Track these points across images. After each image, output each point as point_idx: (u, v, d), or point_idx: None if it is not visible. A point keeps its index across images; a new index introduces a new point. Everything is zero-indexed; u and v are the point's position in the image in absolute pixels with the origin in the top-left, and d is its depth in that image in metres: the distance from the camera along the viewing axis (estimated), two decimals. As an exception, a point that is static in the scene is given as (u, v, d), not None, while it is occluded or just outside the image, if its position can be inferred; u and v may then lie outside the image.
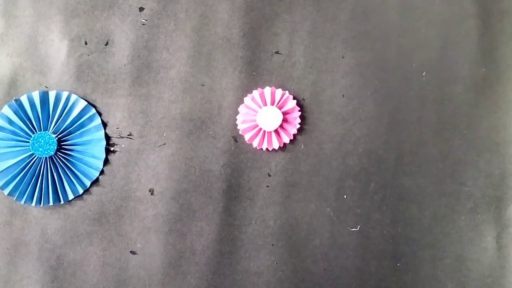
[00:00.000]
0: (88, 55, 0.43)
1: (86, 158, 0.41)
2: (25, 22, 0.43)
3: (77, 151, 0.42)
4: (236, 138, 0.42)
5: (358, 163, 0.42)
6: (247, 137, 0.42)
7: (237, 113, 0.42)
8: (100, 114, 0.42)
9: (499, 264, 0.42)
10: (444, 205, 0.42)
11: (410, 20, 0.44)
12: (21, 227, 0.41)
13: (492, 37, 0.44)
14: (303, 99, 0.43)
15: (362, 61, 0.43)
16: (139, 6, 0.43)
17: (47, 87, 0.42)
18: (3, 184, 0.41)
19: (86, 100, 0.42)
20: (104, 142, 0.42)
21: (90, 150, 0.42)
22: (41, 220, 0.41)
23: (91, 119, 0.42)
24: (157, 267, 0.41)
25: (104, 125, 0.42)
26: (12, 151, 0.41)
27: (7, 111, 0.41)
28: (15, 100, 0.41)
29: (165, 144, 0.42)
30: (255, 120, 0.42)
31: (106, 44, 0.43)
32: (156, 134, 0.42)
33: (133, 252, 0.41)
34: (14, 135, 0.41)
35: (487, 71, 0.44)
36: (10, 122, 0.41)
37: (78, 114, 0.41)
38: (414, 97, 0.43)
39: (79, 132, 0.42)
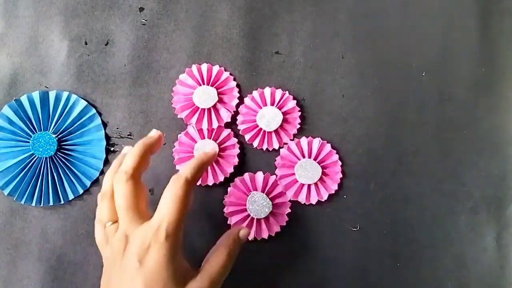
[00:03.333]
0: (88, 55, 0.43)
1: (87, 158, 0.42)
2: (25, 22, 0.43)
3: (77, 151, 0.42)
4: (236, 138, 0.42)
5: (358, 163, 0.42)
6: (247, 137, 0.42)
7: (237, 113, 0.42)
8: (100, 114, 0.42)
9: (499, 264, 0.42)
10: (444, 205, 0.42)
11: (410, 20, 0.44)
12: (21, 227, 0.41)
13: (492, 37, 0.44)
14: (303, 99, 0.43)
15: (362, 61, 0.43)
16: (139, 6, 0.43)
17: (47, 87, 0.42)
18: (3, 184, 0.41)
19: (86, 100, 0.42)
20: (104, 142, 0.42)
21: (90, 150, 0.42)
22: (41, 220, 0.41)
23: (91, 119, 0.42)
24: (157, 267, 0.41)
25: (104, 125, 0.42)
26: (12, 151, 0.41)
27: (7, 111, 0.41)
28: (15, 100, 0.41)
29: (165, 144, 0.42)
30: (255, 120, 0.42)
31: (106, 44, 0.43)
32: (156, 134, 0.42)
33: (133, 252, 0.41)
34: (14, 135, 0.41)
35: (487, 71, 0.44)
36: (10, 122, 0.41)
37: (78, 114, 0.41)
38: (414, 97, 0.43)
39: (79, 132, 0.42)
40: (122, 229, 0.32)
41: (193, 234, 0.41)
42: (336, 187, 0.42)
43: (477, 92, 0.43)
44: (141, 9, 0.43)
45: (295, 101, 0.42)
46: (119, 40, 0.43)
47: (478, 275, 0.42)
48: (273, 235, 0.41)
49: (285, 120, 0.42)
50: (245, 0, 0.43)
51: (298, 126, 0.42)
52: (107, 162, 0.42)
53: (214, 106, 0.42)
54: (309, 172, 0.41)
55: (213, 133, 0.41)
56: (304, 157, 0.42)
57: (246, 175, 0.42)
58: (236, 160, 0.41)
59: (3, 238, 0.41)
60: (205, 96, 0.41)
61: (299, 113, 0.42)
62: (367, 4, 0.44)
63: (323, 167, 0.42)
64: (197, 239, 0.41)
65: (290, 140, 0.42)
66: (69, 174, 0.41)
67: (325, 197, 0.42)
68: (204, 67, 0.42)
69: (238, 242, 0.35)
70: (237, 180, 0.41)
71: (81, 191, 0.41)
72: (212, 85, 0.42)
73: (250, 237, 0.41)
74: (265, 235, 0.41)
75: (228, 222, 0.41)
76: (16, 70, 0.42)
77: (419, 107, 0.43)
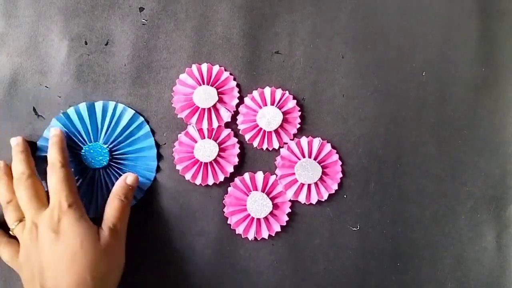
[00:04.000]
0: (88, 55, 0.43)
1: (139, 166, 0.41)
2: (25, 22, 0.43)
3: (129, 159, 0.41)
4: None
5: (358, 163, 0.42)
6: (247, 137, 0.42)
7: (237, 113, 0.42)
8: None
9: (499, 264, 0.42)
10: (444, 205, 0.42)
11: (410, 20, 0.44)
12: (21, 227, 0.41)
13: (492, 37, 0.44)
14: (303, 99, 0.43)
15: (362, 61, 0.43)
16: (139, 6, 0.43)
17: (47, 87, 0.42)
18: None
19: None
20: (155, 149, 0.41)
21: (142, 158, 0.41)
22: (41, 220, 0.41)
23: (139, 127, 0.41)
24: (157, 267, 0.41)
25: (104, 125, 0.42)
26: None
27: (55, 125, 0.41)
28: (63, 113, 0.41)
29: (165, 144, 0.42)
30: (255, 120, 0.42)
31: (106, 44, 0.43)
32: (156, 134, 0.42)
33: (133, 252, 0.41)
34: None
35: (487, 71, 0.44)
36: None
37: (127, 123, 0.41)
38: (414, 97, 0.43)
39: (129, 141, 0.41)
40: (29, 220, 0.36)
41: (193, 234, 0.41)
42: (336, 187, 0.42)
43: (477, 92, 0.43)
44: (141, 9, 0.43)
45: (295, 101, 0.42)
46: (119, 40, 0.43)
47: (478, 275, 0.42)
48: (273, 235, 0.41)
49: (285, 120, 0.42)
50: (245, 0, 0.43)
51: (298, 126, 0.42)
52: (159, 169, 0.42)
53: (214, 106, 0.42)
54: (309, 172, 0.41)
55: (213, 133, 0.41)
56: (304, 156, 0.42)
57: (246, 175, 0.42)
58: (236, 160, 0.41)
59: (3, 238, 0.41)
60: (205, 96, 0.41)
61: (299, 113, 0.42)
62: (367, 4, 0.44)
63: (323, 167, 0.42)
64: (197, 239, 0.41)
65: (290, 140, 0.42)
66: None
67: (325, 197, 0.42)
68: (204, 67, 0.42)
69: (126, 187, 0.39)
70: (237, 180, 0.41)
71: (135, 200, 0.41)
72: (212, 85, 0.42)
73: (250, 237, 0.41)
74: (265, 235, 0.41)
75: (228, 222, 0.41)
76: (16, 70, 0.42)
77: (419, 107, 0.43)
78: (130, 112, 0.41)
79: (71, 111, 0.41)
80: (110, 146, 0.41)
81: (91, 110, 0.41)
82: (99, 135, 0.41)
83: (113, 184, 0.40)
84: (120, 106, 0.41)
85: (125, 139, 0.41)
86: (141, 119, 0.41)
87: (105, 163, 0.40)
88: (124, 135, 0.41)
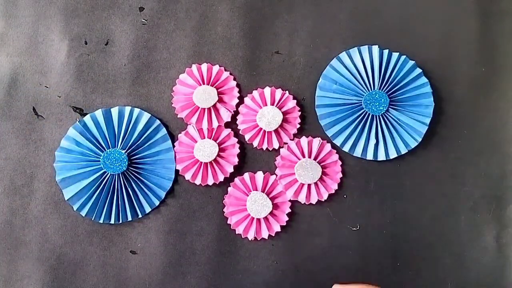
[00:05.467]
0: (88, 55, 0.43)
1: (158, 170, 0.41)
2: (25, 22, 0.43)
3: (148, 163, 0.41)
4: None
5: (358, 163, 0.42)
6: (247, 137, 0.42)
7: (237, 113, 0.42)
8: (100, 114, 0.42)
9: (499, 264, 0.42)
10: (444, 205, 0.42)
11: (410, 20, 0.44)
12: (21, 227, 0.41)
13: (492, 37, 0.44)
14: (303, 99, 0.43)
15: (362, 61, 0.43)
16: (139, 6, 0.43)
17: (47, 87, 0.42)
18: (79, 206, 0.40)
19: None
20: (173, 152, 0.41)
21: (161, 161, 0.41)
22: (41, 220, 0.41)
23: (156, 130, 0.41)
24: (157, 267, 0.41)
25: (104, 125, 0.42)
26: (84, 172, 0.40)
27: (73, 133, 0.41)
28: (79, 121, 0.41)
29: (165, 144, 0.42)
30: (255, 120, 0.42)
31: (106, 44, 0.43)
32: (156, 134, 0.42)
33: (133, 252, 0.41)
34: (83, 155, 0.40)
35: (487, 71, 0.44)
36: (78, 143, 0.41)
37: (143, 127, 0.41)
38: (414, 97, 0.43)
39: (147, 144, 0.41)
40: None
41: (193, 234, 0.41)
42: (336, 187, 0.42)
43: (477, 92, 0.43)
44: (141, 9, 0.43)
45: (295, 101, 0.42)
46: (119, 40, 0.43)
47: (478, 275, 0.42)
48: (273, 235, 0.41)
49: (285, 120, 0.42)
50: (245, 0, 0.43)
51: (298, 125, 0.42)
52: (177, 172, 0.41)
53: (214, 106, 0.42)
54: (309, 172, 0.41)
55: (213, 133, 0.42)
56: (304, 156, 0.42)
57: (246, 175, 0.42)
58: (236, 160, 0.41)
59: (3, 238, 0.41)
60: (205, 96, 0.41)
61: (299, 113, 0.42)
62: (367, 4, 0.44)
63: (323, 167, 0.42)
64: (197, 239, 0.41)
65: (290, 139, 0.42)
66: (143, 187, 0.41)
67: (325, 196, 0.42)
68: (204, 66, 0.42)
69: None
70: (237, 180, 0.41)
71: (157, 203, 0.41)
72: (212, 85, 0.42)
73: (250, 237, 0.41)
74: (265, 235, 0.41)
75: (228, 222, 0.41)
76: (16, 70, 0.42)
77: (419, 107, 0.43)
78: (146, 116, 0.41)
79: (87, 118, 0.41)
80: (128, 151, 0.41)
81: (108, 116, 0.41)
82: (117, 141, 0.41)
83: (132, 189, 0.40)
84: (136, 111, 0.41)
85: (143, 143, 0.41)
86: (158, 122, 0.41)
87: (124, 168, 0.40)
88: (141, 140, 0.41)
